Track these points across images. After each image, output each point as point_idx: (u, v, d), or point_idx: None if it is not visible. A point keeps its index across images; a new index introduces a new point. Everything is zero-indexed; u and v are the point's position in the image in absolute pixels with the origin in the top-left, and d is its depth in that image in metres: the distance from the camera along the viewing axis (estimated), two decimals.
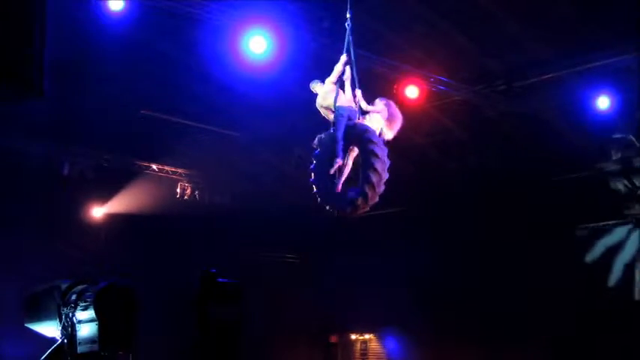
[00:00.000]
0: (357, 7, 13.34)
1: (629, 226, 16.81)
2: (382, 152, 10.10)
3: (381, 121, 10.48)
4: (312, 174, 10.40)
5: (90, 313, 9.98)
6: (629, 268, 16.66)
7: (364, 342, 22.55)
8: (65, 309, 10.41)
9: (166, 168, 19.40)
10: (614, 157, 16.45)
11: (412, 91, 14.79)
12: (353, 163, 10.55)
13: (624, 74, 14.38)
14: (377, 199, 10.18)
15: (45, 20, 4.82)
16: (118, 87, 15.67)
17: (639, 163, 16.27)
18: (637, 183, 16.48)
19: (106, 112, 16.29)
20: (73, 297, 10.37)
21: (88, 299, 10.09)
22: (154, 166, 19.23)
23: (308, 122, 12.34)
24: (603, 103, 14.68)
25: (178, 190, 19.73)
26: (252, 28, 12.68)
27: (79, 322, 10.16)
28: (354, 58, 10.59)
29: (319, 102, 10.62)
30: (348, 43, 10.61)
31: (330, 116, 10.43)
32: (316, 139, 10.64)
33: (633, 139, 16.04)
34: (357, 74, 10.66)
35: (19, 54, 4.67)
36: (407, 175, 19.03)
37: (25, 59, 4.69)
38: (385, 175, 10.08)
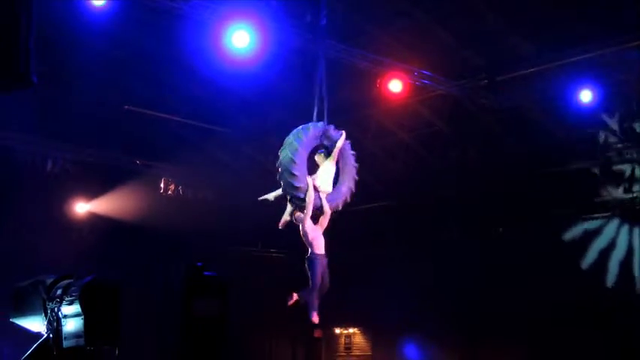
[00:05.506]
0: (341, 2, 13.41)
1: (616, 222, 16.88)
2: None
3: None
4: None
5: (75, 308, 9.97)
6: (624, 264, 16.69)
7: (348, 336, 22.60)
8: (51, 304, 10.41)
9: (150, 163, 19.35)
10: (597, 151, 16.54)
11: (396, 85, 14.81)
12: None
13: (607, 68, 14.45)
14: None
15: (31, 11, 4.83)
16: (101, 82, 15.65)
17: (622, 157, 16.37)
18: (619, 177, 16.58)
19: (89, 107, 16.26)
20: (59, 292, 10.37)
21: (74, 294, 10.08)
22: (137, 161, 19.17)
23: (291, 115, 12.37)
24: (586, 96, 14.74)
25: (162, 185, 19.70)
26: (234, 22, 12.65)
27: (65, 316, 10.16)
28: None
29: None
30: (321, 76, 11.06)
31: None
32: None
33: (616, 132, 16.13)
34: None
35: (7, 45, 4.68)
36: (391, 169, 19.11)
37: (13, 50, 4.70)
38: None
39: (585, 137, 16.43)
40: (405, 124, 18.31)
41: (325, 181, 10.78)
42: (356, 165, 11.17)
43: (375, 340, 22.07)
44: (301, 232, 10.75)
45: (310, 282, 10.71)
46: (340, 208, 11.05)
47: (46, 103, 15.35)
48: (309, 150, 10.77)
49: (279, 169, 10.57)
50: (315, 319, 10.70)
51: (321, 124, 10.86)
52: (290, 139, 10.61)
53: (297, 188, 10.46)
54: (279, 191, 10.82)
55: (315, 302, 10.69)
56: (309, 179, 10.54)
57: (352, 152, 11.21)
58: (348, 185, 11.04)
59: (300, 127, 10.74)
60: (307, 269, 10.72)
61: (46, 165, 17.84)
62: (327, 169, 10.84)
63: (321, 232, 10.82)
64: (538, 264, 17.35)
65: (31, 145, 17.49)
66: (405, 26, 14.65)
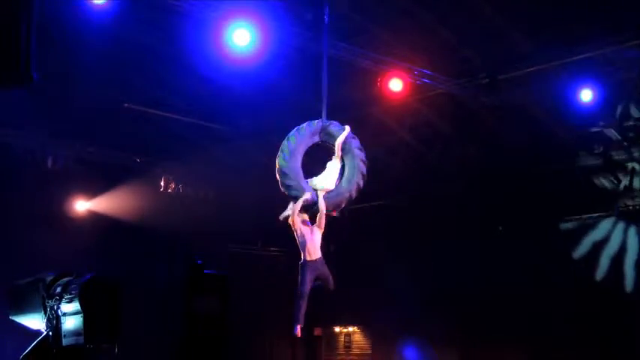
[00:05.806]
0: (342, 0, 13.37)
1: (613, 219, 16.88)
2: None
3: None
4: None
5: (75, 306, 9.98)
6: (615, 261, 16.69)
7: (348, 335, 22.58)
8: (50, 301, 10.41)
9: (150, 161, 19.32)
10: (596, 150, 16.54)
11: (396, 84, 14.79)
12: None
13: (607, 67, 14.44)
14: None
15: (32, 10, 4.82)
16: (101, 80, 15.62)
17: (621, 156, 16.36)
18: (619, 175, 16.58)
19: (89, 105, 16.23)
20: (58, 290, 10.38)
21: (73, 292, 10.09)
22: (138, 159, 19.15)
23: (292, 113, 12.33)
24: (586, 95, 14.72)
25: (162, 184, 19.68)
26: (235, 20, 12.63)
27: (64, 314, 10.15)
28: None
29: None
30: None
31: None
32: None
33: (615, 132, 16.12)
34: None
35: (8, 44, 4.68)
36: (391, 167, 19.09)
37: (13, 49, 4.70)
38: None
39: (586, 136, 16.43)
40: (405, 122, 18.28)
41: (327, 179, 10.69)
42: (365, 160, 11.05)
43: (375, 338, 22.04)
44: (294, 234, 10.68)
45: (297, 289, 10.56)
46: (343, 205, 10.93)
47: (46, 100, 15.33)
48: (305, 149, 10.73)
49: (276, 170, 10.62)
50: (298, 332, 10.50)
51: (316, 122, 10.81)
52: (284, 141, 10.66)
53: (288, 187, 10.45)
54: (292, 203, 10.78)
55: (301, 313, 10.44)
56: (304, 180, 10.50)
57: (359, 147, 11.11)
58: (353, 181, 10.91)
59: (295, 128, 10.75)
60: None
61: (47, 162, 17.85)
62: (332, 166, 10.77)
63: (316, 234, 10.61)
64: (538, 263, 17.33)
65: (32, 142, 17.49)
66: (406, 25, 14.63)
